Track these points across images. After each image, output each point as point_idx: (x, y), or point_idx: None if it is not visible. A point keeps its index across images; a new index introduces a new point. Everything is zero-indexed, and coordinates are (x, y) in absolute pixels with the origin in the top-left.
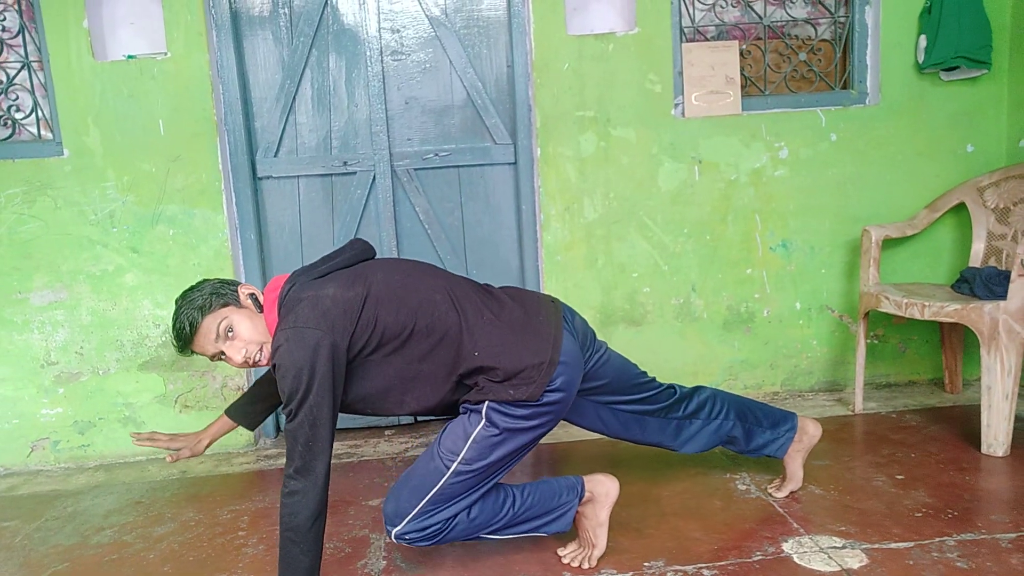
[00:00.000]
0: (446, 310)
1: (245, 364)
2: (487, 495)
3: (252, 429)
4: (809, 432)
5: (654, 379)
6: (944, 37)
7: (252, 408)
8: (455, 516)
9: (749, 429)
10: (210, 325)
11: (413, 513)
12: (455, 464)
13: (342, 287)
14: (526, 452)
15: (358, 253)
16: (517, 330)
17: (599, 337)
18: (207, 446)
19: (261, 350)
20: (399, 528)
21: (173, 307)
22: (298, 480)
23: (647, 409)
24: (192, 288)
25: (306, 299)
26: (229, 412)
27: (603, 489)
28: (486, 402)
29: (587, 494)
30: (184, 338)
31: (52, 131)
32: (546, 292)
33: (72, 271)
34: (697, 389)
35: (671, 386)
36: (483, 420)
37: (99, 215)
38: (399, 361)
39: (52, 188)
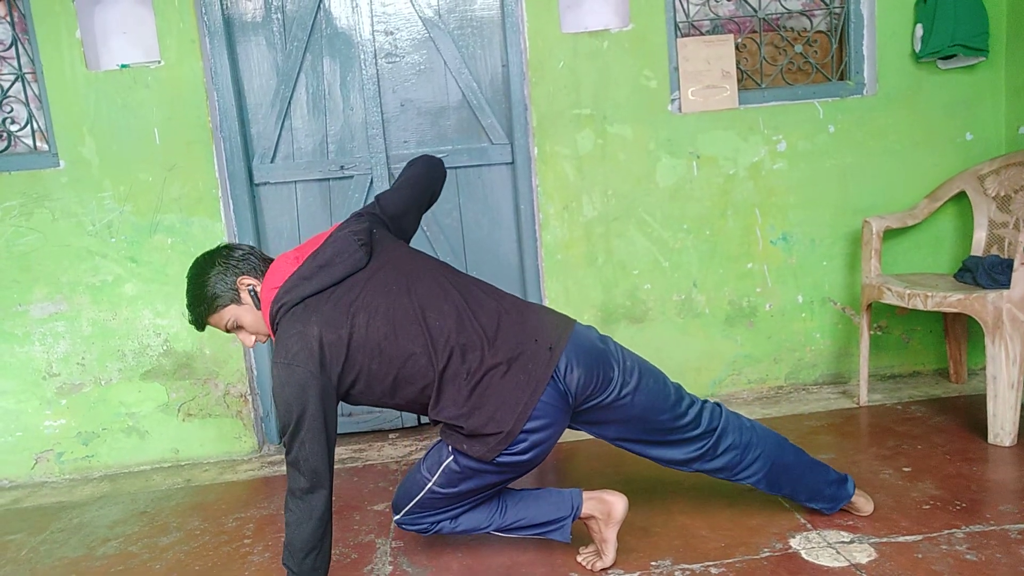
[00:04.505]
0: (425, 364)
1: (257, 342)
2: (470, 509)
3: None
4: (858, 508)
5: (690, 423)
6: (940, 25)
7: None
8: (439, 522)
9: (777, 491)
10: (217, 321)
11: (405, 510)
12: (429, 484)
13: (327, 327)
14: (502, 486)
15: (346, 262)
16: (488, 392)
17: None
18: None
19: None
20: (398, 517)
21: (183, 297)
22: (292, 511)
23: (658, 457)
24: (194, 282)
25: (295, 334)
26: None
27: (604, 508)
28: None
29: (584, 513)
30: (199, 327)
31: (48, 142)
32: (548, 295)
33: (71, 282)
34: (725, 432)
35: (706, 435)
36: (451, 456)
37: (97, 226)
38: (383, 395)
39: (49, 200)
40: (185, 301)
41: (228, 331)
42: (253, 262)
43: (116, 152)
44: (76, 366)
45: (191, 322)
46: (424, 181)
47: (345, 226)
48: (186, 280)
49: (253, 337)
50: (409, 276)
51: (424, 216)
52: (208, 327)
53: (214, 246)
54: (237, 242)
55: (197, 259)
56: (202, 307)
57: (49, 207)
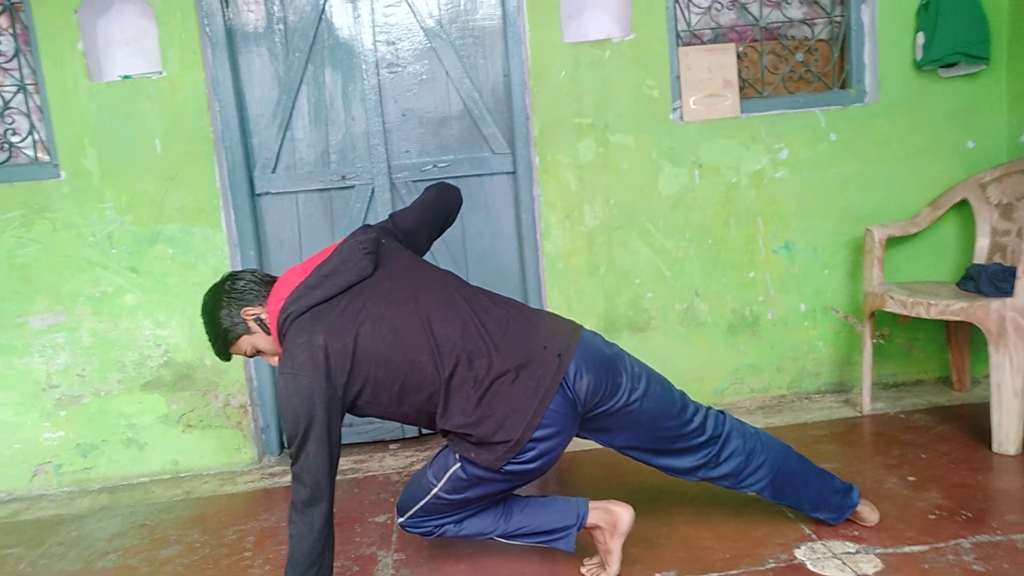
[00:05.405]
0: (432, 372)
1: None
2: (476, 514)
3: None
4: (863, 518)
5: (696, 430)
6: (942, 33)
7: None
8: (443, 526)
9: (782, 499)
10: (238, 351)
11: (410, 513)
12: (435, 490)
13: (332, 336)
14: (508, 493)
15: (352, 270)
16: (496, 400)
17: None
18: None
19: None
20: (402, 520)
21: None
22: (295, 523)
23: (664, 466)
24: (206, 319)
25: (301, 344)
26: None
27: (610, 519)
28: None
29: (590, 522)
30: (224, 359)
31: (49, 153)
32: (550, 304)
33: (72, 293)
34: (729, 438)
35: (710, 441)
36: (458, 463)
37: (98, 236)
38: (390, 404)
39: (50, 211)
40: (207, 337)
41: (251, 356)
42: (255, 290)
43: (117, 163)
44: (76, 377)
45: (216, 355)
46: (439, 203)
47: (352, 236)
48: (201, 319)
49: (276, 358)
50: (415, 285)
51: None
52: (234, 355)
53: (219, 278)
54: (240, 269)
55: (205, 296)
56: (220, 342)
57: (50, 218)
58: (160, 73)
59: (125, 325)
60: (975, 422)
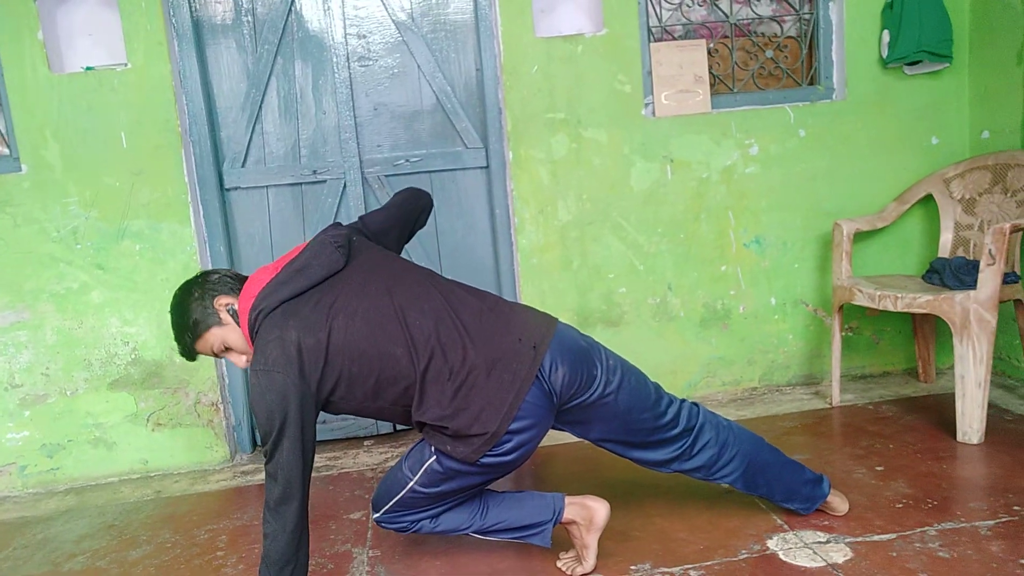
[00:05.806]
0: (406, 364)
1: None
2: (451, 508)
3: None
4: (833, 508)
5: (670, 422)
6: (906, 32)
7: None
8: (419, 521)
9: (754, 490)
10: (204, 347)
11: (385, 508)
12: (411, 483)
13: (305, 331)
14: (484, 486)
15: (323, 264)
16: (472, 392)
17: None
18: None
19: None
20: (378, 515)
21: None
22: (269, 522)
23: (639, 459)
24: (176, 311)
25: (273, 340)
26: None
27: (586, 514)
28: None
29: (566, 518)
30: (189, 358)
31: (8, 146)
32: (524, 299)
33: (35, 290)
34: (702, 430)
35: (684, 433)
36: (434, 456)
37: (62, 232)
38: (365, 399)
39: (11, 205)
40: (172, 334)
41: (217, 355)
42: (229, 282)
43: (81, 156)
44: (40, 376)
45: (181, 354)
46: (409, 205)
47: (323, 233)
48: (169, 314)
49: (244, 357)
50: (389, 277)
51: None
52: (200, 356)
53: (190, 276)
54: (212, 267)
55: (176, 291)
56: (187, 336)
57: (10, 213)
58: (125, 65)
59: (91, 322)
60: (940, 412)
